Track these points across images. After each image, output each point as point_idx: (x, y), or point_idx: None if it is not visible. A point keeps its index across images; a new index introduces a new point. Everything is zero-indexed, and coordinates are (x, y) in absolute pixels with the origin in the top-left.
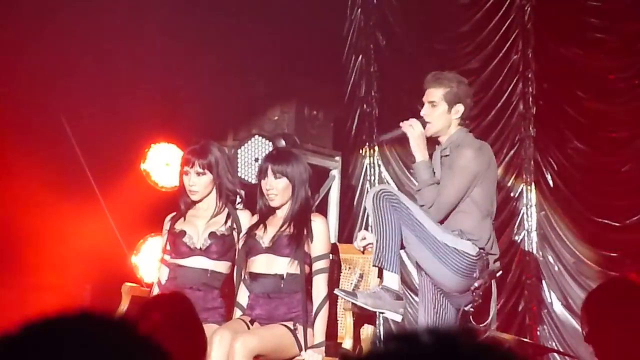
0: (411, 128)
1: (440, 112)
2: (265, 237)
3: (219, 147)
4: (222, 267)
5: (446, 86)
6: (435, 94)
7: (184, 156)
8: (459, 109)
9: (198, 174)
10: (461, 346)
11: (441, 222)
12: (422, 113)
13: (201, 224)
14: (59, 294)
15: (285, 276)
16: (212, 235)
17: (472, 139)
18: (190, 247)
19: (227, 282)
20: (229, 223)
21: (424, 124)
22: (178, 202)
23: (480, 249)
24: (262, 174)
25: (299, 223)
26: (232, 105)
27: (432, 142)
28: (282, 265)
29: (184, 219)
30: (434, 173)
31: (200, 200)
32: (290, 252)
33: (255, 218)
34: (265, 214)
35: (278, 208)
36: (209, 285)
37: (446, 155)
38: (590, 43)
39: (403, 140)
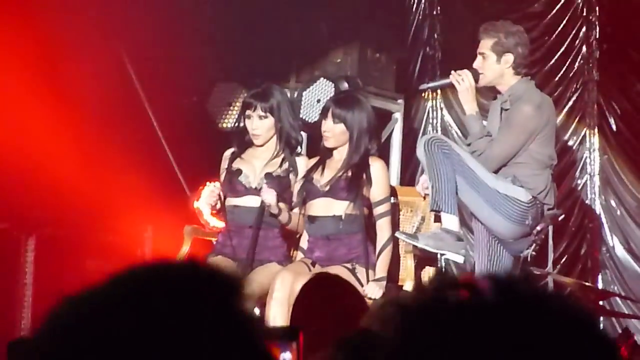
0: (460, 80)
1: (490, 62)
2: (322, 180)
3: (281, 90)
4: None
5: (493, 37)
6: (484, 45)
7: (245, 99)
8: (509, 58)
9: (260, 117)
10: (521, 294)
11: (495, 171)
12: (474, 64)
13: (259, 164)
14: (122, 235)
15: (343, 217)
16: (268, 175)
17: (533, 92)
18: (246, 186)
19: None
20: (284, 165)
21: (476, 75)
22: (236, 140)
23: (534, 197)
24: (323, 114)
25: (357, 167)
26: (294, 48)
27: (495, 92)
28: (340, 208)
29: (241, 158)
30: (484, 126)
31: (262, 145)
32: (349, 196)
33: (314, 162)
34: (324, 155)
35: (335, 149)
36: (269, 224)
37: (506, 109)
38: None
39: None
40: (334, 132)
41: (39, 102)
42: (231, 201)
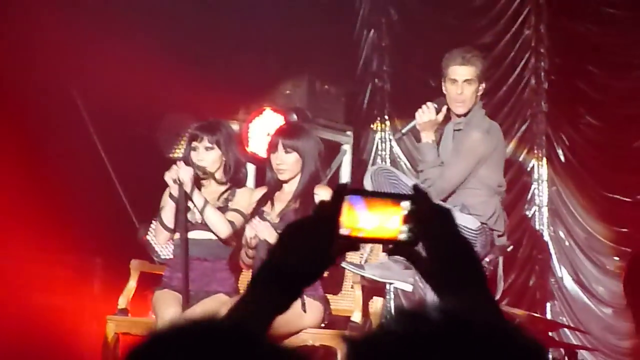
0: (421, 112)
1: (472, 90)
2: (272, 214)
3: (227, 125)
4: None
5: (477, 64)
6: (470, 72)
7: (192, 131)
8: (483, 86)
9: (207, 148)
10: (470, 323)
11: (444, 199)
12: (458, 92)
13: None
14: (70, 269)
15: None
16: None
17: (483, 118)
18: (192, 221)
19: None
20: (225, 195)
21: (441, 105)
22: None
23: (482, 223)
24: (272, 147)
25: (307, 198)
26: (244, 80)
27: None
28: None
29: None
30: (438, 154)
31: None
32: None
33: (260, 192)
34: (274, 188)
35: (286, 182)
36: (217, 255)
37: (458, 130)
38: (603, 18)
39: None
40: (287, 163)
41: None
42: (178, 234)
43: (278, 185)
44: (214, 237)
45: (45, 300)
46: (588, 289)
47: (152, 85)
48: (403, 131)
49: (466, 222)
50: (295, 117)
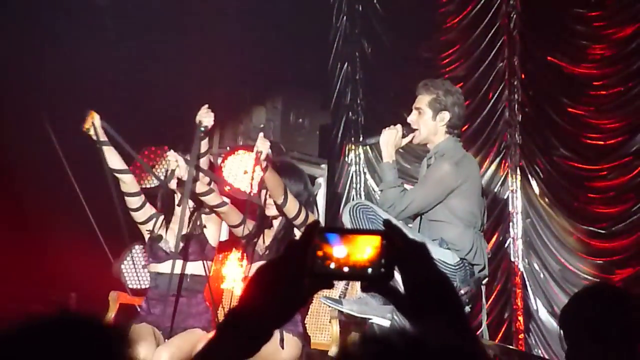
0: (387, 130)
1: (425, 118)
2: (262, 245)
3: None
4: (200, 268)
5: (432, 93)
6: (421, 101)
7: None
8: (445, 116)
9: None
10: (429, 347)
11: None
12: (408, 119)
13: (177, 228)
14: (44, 304)
15: None
16: (184, 237)
17: (456, 150)
18: (167, 251)
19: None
20: (198, 222)
21: (409, 130)
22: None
23: (461, 259)
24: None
25: (290, 230)
26: (217, 113)
27: (424, 150)
28: None
29: (164, 224)
30: (397, 177)
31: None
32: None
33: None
34: (262, 223)
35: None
36: (192, 290)
37: (429, 164)
38: (576, 51)
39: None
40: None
41: None
42: (153, 267)
43: (266, 221)
44: (189, 272)
45: None
46: None
47: (122, 122)
48: (367, 142)
49: (445, 257)
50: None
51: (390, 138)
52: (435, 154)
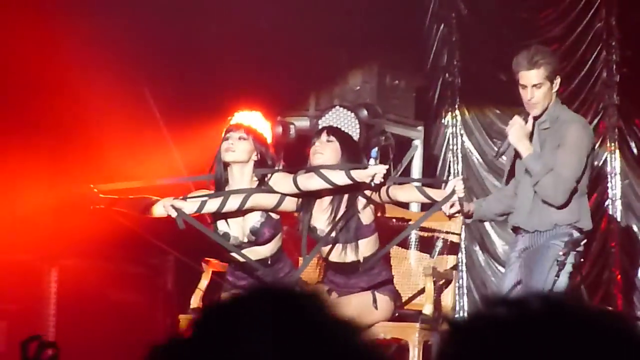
0: (510, 129)
1: (544, 91)
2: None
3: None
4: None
5: (544, 65)
6: (537, 76)
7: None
8: (558, 80)
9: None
10: (570, 311)
11: (565, 203)
12: (527, 98)
13: (239, 219)
14: (143, 265)
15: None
16: (252, 230)
17: (570, 111)
18: (237, 244)
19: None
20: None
21: (524, 116)
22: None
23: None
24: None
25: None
26: (314, 75)
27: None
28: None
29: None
30: (546, 164)
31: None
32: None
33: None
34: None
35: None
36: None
37: (546, 128)
38: None
39: (485, 109)
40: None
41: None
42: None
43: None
44: (265, 255)
45: (120, 297)
46: None
47: (220, 84)
48: (500, 151)
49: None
50: (365, 112)
51: (519, 133)
52: (548, 118)
